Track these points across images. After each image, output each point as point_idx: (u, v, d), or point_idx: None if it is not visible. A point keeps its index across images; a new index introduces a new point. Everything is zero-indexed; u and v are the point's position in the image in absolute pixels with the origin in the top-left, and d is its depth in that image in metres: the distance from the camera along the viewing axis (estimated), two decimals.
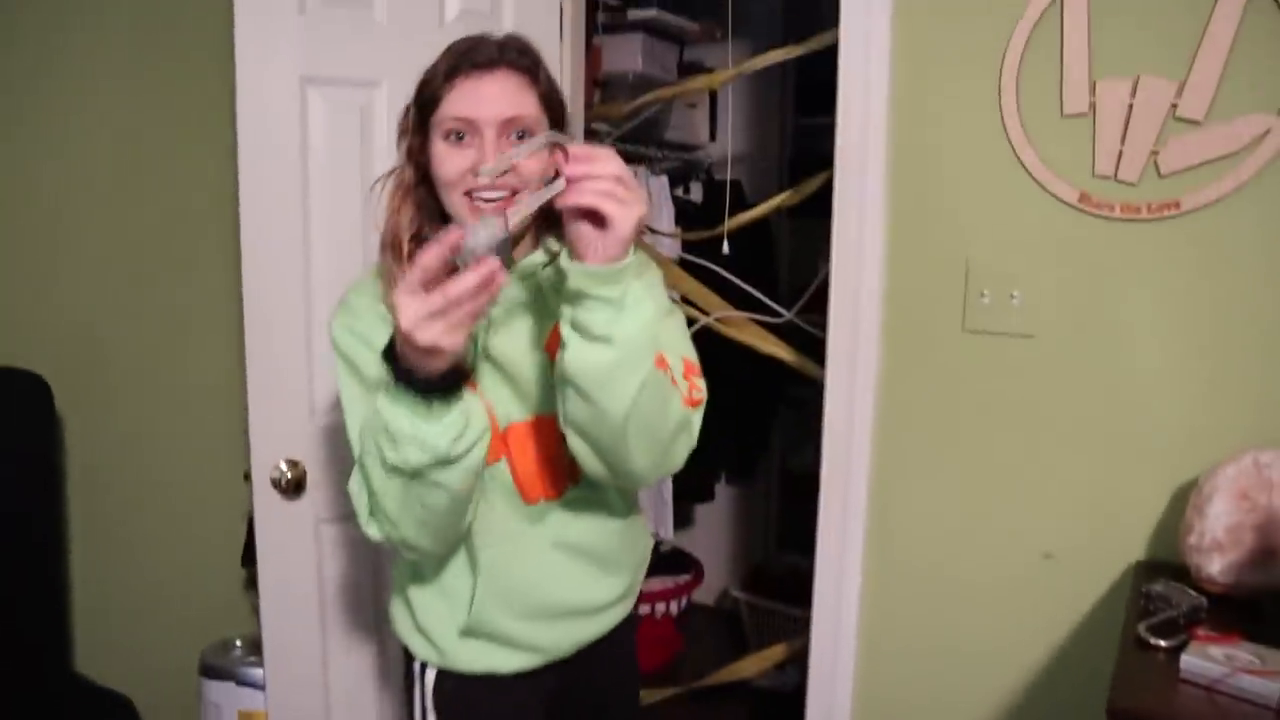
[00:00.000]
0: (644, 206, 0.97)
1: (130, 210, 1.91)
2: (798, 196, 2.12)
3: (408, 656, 1.29)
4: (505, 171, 1.07)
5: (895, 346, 1.66)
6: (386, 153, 1.75)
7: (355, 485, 1.11)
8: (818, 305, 1.92)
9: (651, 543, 1.40)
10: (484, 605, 1.20)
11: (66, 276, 1.85)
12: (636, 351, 1.00)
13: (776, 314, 2.26)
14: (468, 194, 1.09)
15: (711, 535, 3.48)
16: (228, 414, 1.84)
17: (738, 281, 2.32)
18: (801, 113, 3.20)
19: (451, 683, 1.25)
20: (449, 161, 1.09)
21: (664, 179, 2.79)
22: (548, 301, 1.17)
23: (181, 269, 1.95)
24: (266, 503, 1.70)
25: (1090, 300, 1.49)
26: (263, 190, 1.64)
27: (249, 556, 1.76)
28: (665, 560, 3.13)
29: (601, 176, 0.93)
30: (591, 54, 2.64)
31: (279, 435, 1.70)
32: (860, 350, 1.67)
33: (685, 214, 2.84)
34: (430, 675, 1.26)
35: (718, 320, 2.27)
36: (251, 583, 1.78)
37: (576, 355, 1.00)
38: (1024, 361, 1.55)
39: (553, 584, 1.23)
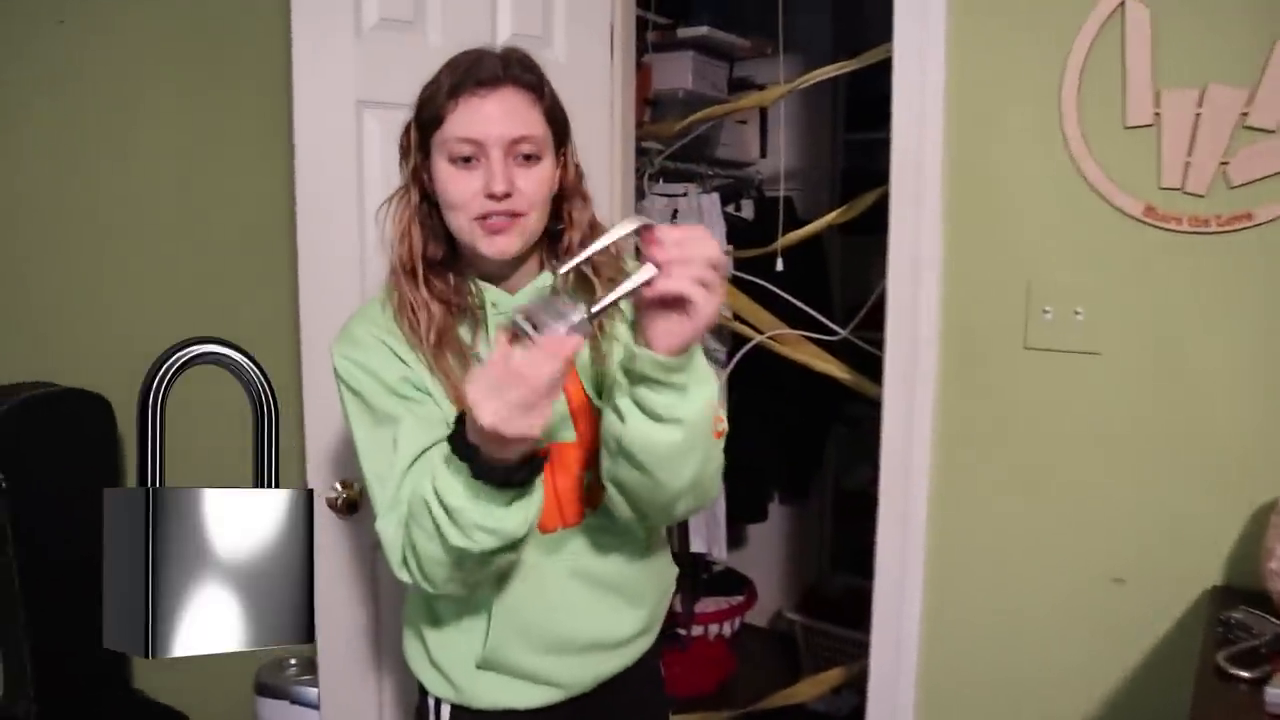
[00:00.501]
0: (724, 292, 0.94)
1: (189, 231, 1.96)
2: (852, 212, 2.10)
3: (421, 691, 1.25)
4: (505, 197, 1.04)
5: (954, 364, 1.63)
6: None
7: (390, 532, 1.04)
8: (874, 322, 1.90)
9: (675, 571, 1.34)
10: (500, 639, 1.15)
11: (128, 297, 1.90)
12: (701, 430, 1.00)
13: (831, 331, 2.24)
14: (480, 218, 1.06)
15: (765, 555, 3.45)
16: (286, 434, 1.87)
17: (791, 299, 2.31)
18: (852, 128, 3.18)
19: (468, 719, 1.20)
20: (455, 184, 1.06)
21: (715, 196, 2.79)
22: None
23: (240, 291, 1.99)
24: (322, 523, 1.72)
25: (1158, 316, 1.45)
26: (319, 212, 1.67)
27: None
28: (718, 581, 3.12)
29: (695, 260, 0.89)
30: (642, 73, 2.65)
31: (333, 457, 1.73)
32: (918, 368, 1.65)
33: (736, 231, 2.83)
34: (445, 711, 1.21)
35: (771, 338, 2.25)
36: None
37: (640, 433, 0.98)
38: (1089, 379, 1.51)
39: (572, 616, 1.17)
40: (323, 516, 1.72)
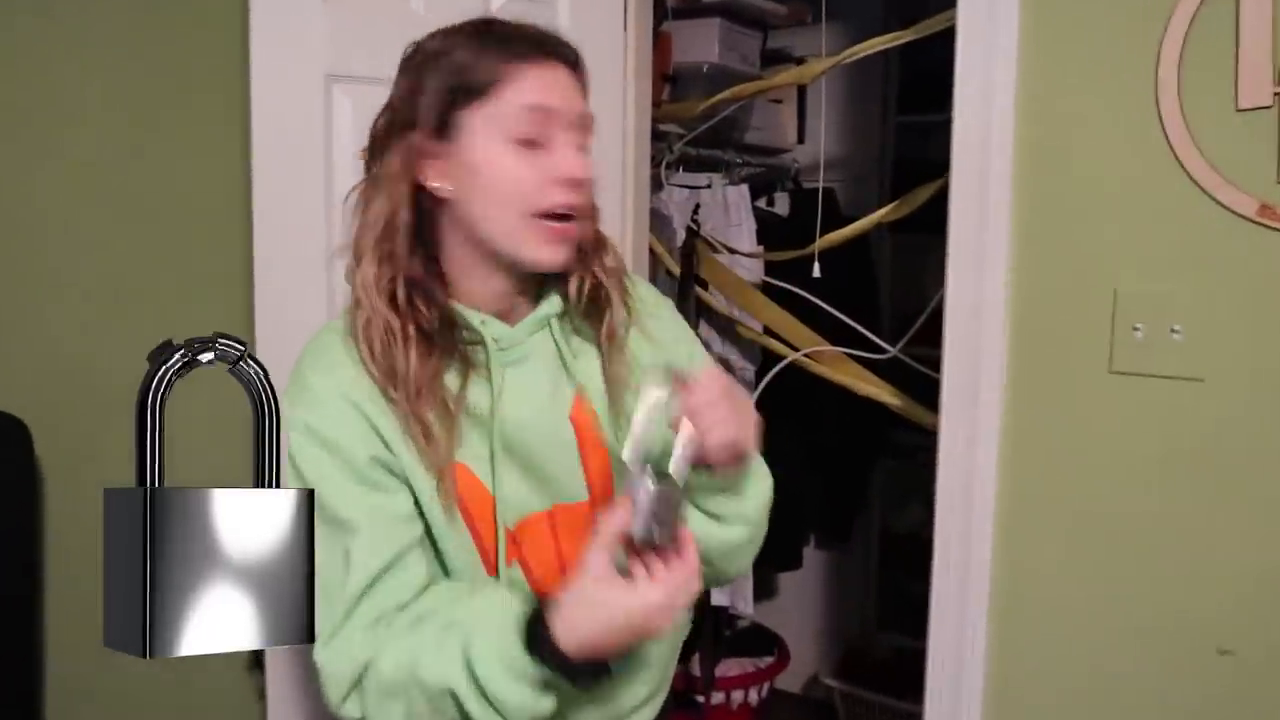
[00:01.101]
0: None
1: (122, 227, 1.91)
2: (905, 208, 2.05)
3: None
4: (578, 186, 1.02)
5: (1025, 390, 1.58)
6: None
7: (335, 665, 0.98)
8: (929, 338, 1.86)
9: (687, 631, 1.29)
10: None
11: (47, 304, 1.86)
12: (760, 522, 1.12)
13: (878, 349, 2.19)
14: (541, 215, 1.00)
15: (799, 609, 3.39)
16: (237, 459, 1.83)
17: (831, 310, 2.26)
18: (906, 109, 3.13)
19: None
20: (516, 169, 0.99)
21: (744, 188, 2.74)
22: (561, 356, 1.10)
23: (183, 293, 1.95)
24: None
25: (1274, 336, 1.39)
26: (280, 202, 1.64)
27: (258, 660, 1.75)
28: (743, 639, 3.06)
29: (726, 411, 0.97)
30: (660, 43, 2.62)
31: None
32: (981, 394, 1.60)
33: (769, 229, 2.79)
34: None
35: (808, 356, 2.21)
36: (257, 663, 1.76)
37: (703, 533, 1.04)
38: (1190, 410, 1.45)
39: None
40: None
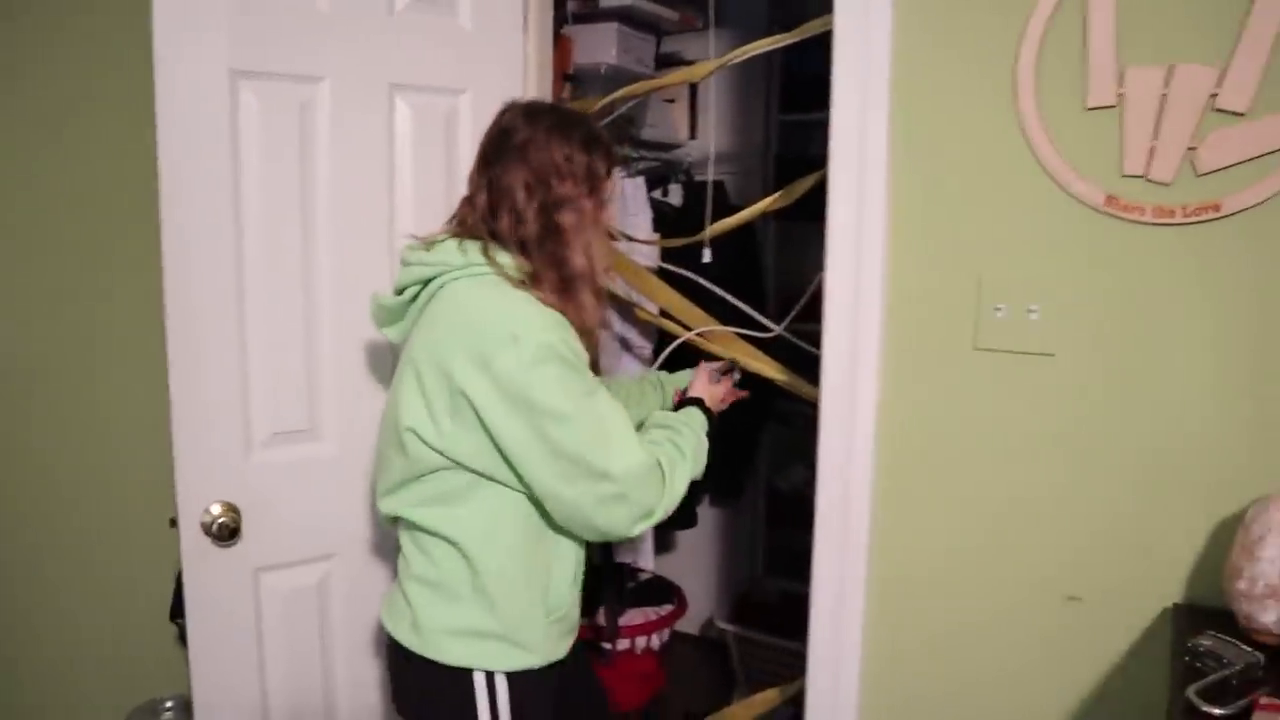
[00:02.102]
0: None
1: (38, 221, 1.75)
2: (788, 198, 1.99)
3: (462, 680, 1.33)
4: None
5: (898, 366, 1.54)
6: (329, 155, 1.62)
7: (645, 466, 1.30)
8: (812, 315, 1.82)
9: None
10: (569, 588, 1.39)
11: None
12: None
13: (764, 328, 2.13)
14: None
15: (695, 560, 3.35)
16: (154, 450, 1.69)
17: (720, 293, 2.19)
18: (788, 109, 3.08)
19: (528, 681, 1.35)
20: (613, 216, 1.59)
21: (640, 181, 2.66)
22: None
23: (99, 288, 1.79)
24: (196, 550, 1.55)
25: (1119, 314, 1.37)
26: (188, 198, 1.50)
27: (179, 609, 1.61)
28: (644, 590, 2.99)
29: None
30: (560, 45, 2.51)
31: (210, 474, 1.56)
32: (859, 369, 1.55)
33: (664, 218, 2.70)
34: (501, 683, 1.33)
35: (700, 335, 2.13)
36: (183, 638, 1.63)
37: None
38: (1044, 382, 1.43)
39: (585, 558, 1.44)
40: (198, 543, 1.55)
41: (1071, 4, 1.34)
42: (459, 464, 1.29)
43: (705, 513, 3.27)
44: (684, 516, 2.95)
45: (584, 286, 1.32)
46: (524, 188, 1.31)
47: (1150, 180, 1.32)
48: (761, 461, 3.27)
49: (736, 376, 1.82)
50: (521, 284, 1.30)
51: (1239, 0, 1.25)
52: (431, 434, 1.29)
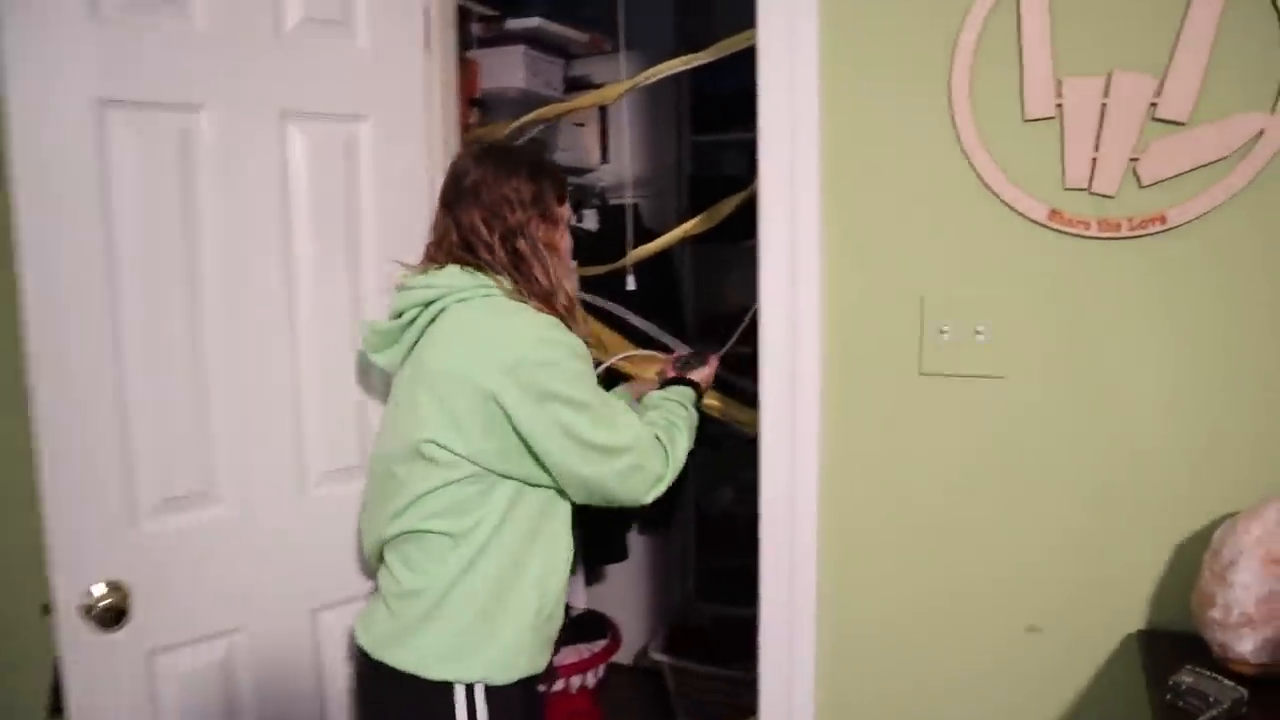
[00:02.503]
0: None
1: None
2: (711, 221, 1.87)
3: (439, 695, 1.36)
4: None
5: (841, 395, 1.42)
6: (215, 190, 1.43)
7: (666, 462, 1.47)
8: (743, 337, 1.73)
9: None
10: (560, 580, 1.46)
11: None
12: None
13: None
14: None
15: (624, 590, 3.18)
16: (24, 526, 1.46)
17: (636, 321, 2.06)
18: (699, 129, 2.96)
19: (506, 696, 1.38)
20: (569, 240, 1.56)
21: None
22: None
23: None
24: (76, 639, 1.33)
25: (1068, 333, 1.27)
26: (52, 244, 1.30)
27: (58, 705, 1.38)
28: (576, 626, 2.83)
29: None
30: (468, 70, 2.35)
31: (90, 550, 1.35)
32: (799, 399, 1.42)
33: (580, 244, 2.55)
34: (480, 693, 1.37)
35: (625, 359, 2.00)
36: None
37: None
38: (994, 407, 1.33)
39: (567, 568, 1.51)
40: (78, 630, 1.33)
41: (1004, 12, 1.24)
42: (487, 469, 1.35)
43: (634, 541, 3.12)
44: (614, 549, 2.80)
45: (556, 302, 1.43)
46: (484, 223, 1.42)
47: (1094, 193, 1.23)
48: (689, 486, 3.13)
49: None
50: (521, 301, 1.41)
51: (1175, 4, 1.17)
52: (458, 443, 1.34)
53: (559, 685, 2.64)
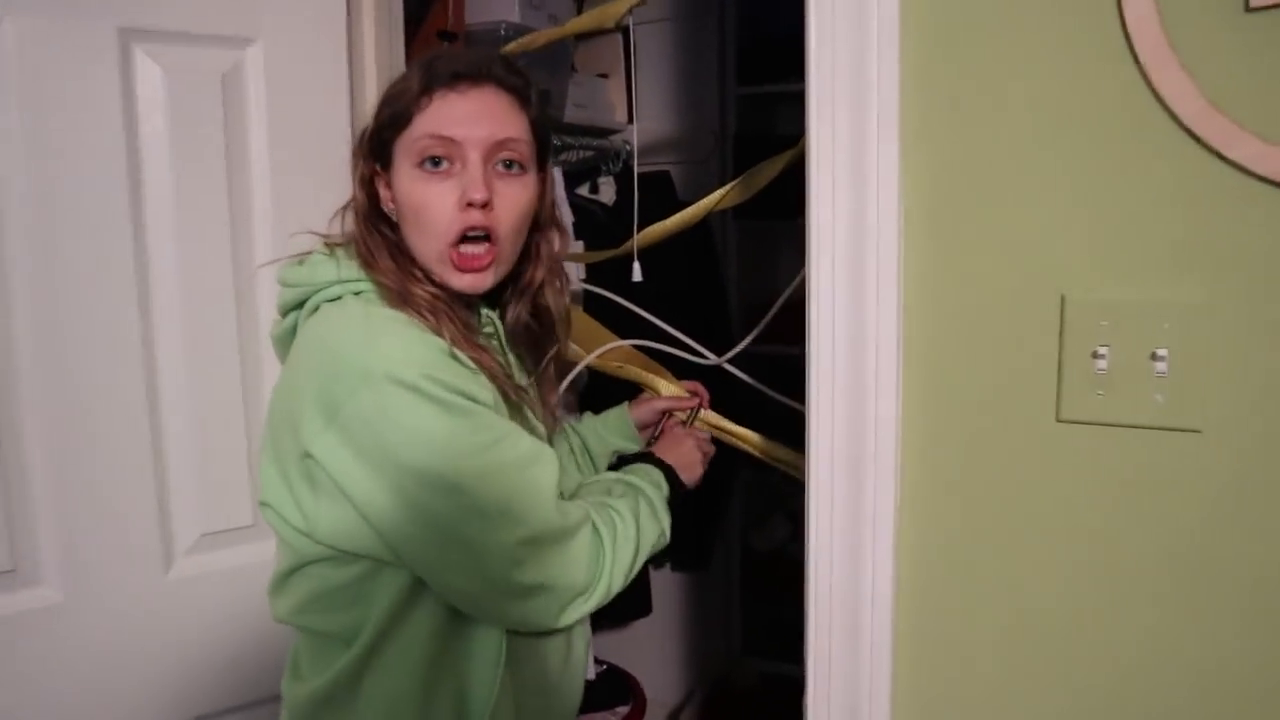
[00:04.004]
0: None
1: None
2: (747, 190, 1.44)
3: None
4: (484, 206, 1.01)
5: (928, 454, 0.97)
6: (19, 141, 1.05)
7: (594, 573, 1.05)
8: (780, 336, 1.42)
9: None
10: (489, 689, 1.04)
11: None
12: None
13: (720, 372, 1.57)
14: (452, 245, 1.02)
15: (653, 642, 2.78)
16: None
17: (649, 316, 1.63)
18: (747, 79, 2.55)
19: None
20: (423, 193, 1.02)
21: (554, 172, 2.07)
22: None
23: None
24: None
25: None
26: None
27: None
28: (594, 693, 2.40)
29: None
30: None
31: None
32: (863, 465, 0.98)
33: (591, 223, 2.14)
34: None
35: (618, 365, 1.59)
36: None
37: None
38: (1177, 478, 0.87)
39: (578, 677, 1.22)
40: None
41: None
42: (338, 549, 1.00)
43: (666, 582, 2.73)
44: (635, 600, 2.40)
45: (416, 307, 1.07)
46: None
47: None
48: (733, 515, 2.72)
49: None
50: (402, 300, 1.03)
51: None
52: (293, 513, 1.01)
53: None
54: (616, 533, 1.08)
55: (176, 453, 1.20)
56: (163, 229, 1.16)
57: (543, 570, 1.00)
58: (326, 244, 1.07)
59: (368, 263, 1.03)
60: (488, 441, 0.98)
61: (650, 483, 1.18)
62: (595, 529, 1.06)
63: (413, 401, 0.93)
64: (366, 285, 1.04)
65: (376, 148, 1.05)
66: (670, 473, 1.23)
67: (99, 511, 1.14)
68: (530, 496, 0.99)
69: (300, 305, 1.06)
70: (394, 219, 1.06)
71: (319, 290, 1.04)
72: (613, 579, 1.06)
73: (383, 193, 1.06)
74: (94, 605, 1.15)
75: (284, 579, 1.05)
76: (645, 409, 1.45)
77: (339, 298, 1.03)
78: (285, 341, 1.12)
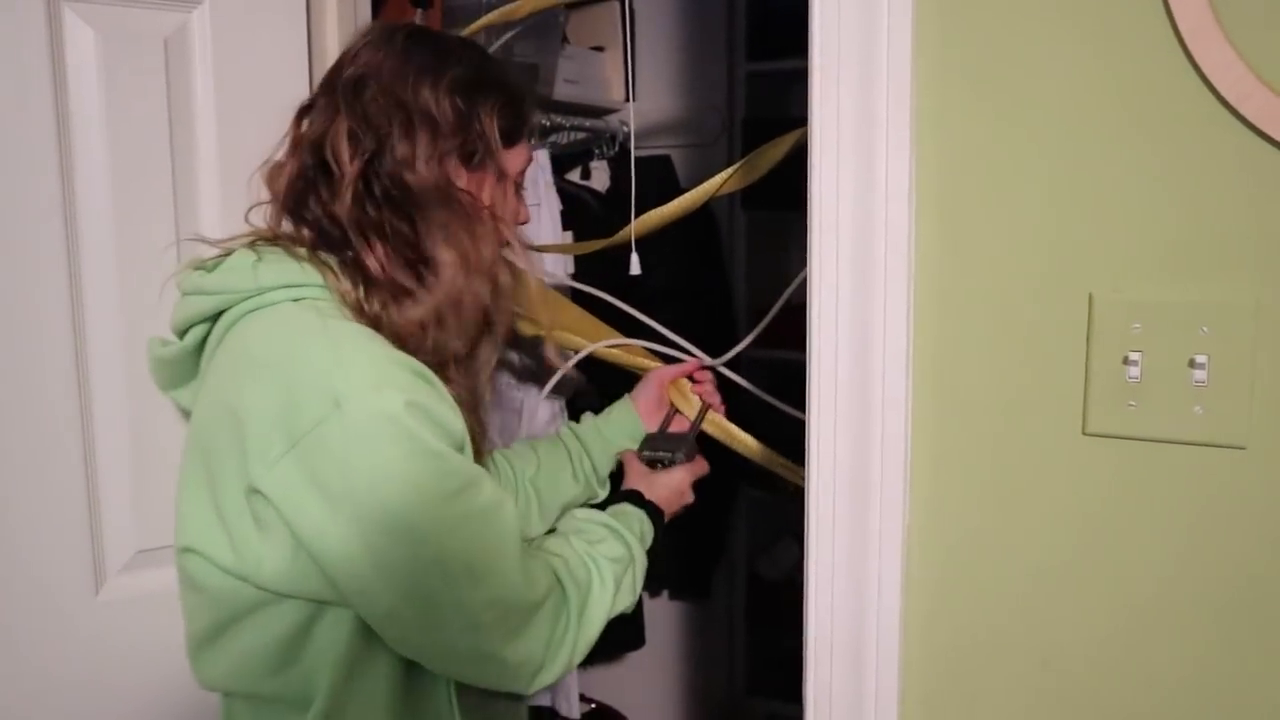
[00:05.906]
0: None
1: None
2: (752, 174, 1.44)
3: None
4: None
5: (940, 471, 0.97)
6: None
7: (563, 635, 1.05)
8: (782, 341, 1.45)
9: None
10: None
11: None
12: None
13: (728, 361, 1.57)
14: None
15: (647, 678, 2.79)
16: None
17: (639, 316, 1.63)
18: (755, 56, 2.56)
19: None
20: (512, 204, 1.17)
21: (541, 156, 2.07)
22: None
23: None
24: None
25: None
26: None
27: None
28: None
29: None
30: None
31: None
32: (869, 489, 0.97)
33: (582, 211, 2.14)
34: None
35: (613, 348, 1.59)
36: None
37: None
38: (1220, 497, 0.86)
39: None
40: None
41: None
42: (280, 593, 0.98)
43: (664, 611, 2.72)
44: (628, 633, 2.39)
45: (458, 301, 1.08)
46: (348, 140, 1.02)
47: None
48: (737, 538, 2.73)
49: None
50: (358, 309, 1.02)
51: None
52: (224, 554, 0.98)
53: None
54: (589, 600, 1.08)
55: (109, 457, 1.19)
56: (97, 213, 1.15)
57: (503, 639, 1.00)
58: (253, 245, 1.05)
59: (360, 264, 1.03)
60: (454, 489, 0.97)
61: (640, 539, 1.21)
62: (564, 596, 1.06)
63: (388, 434, 0.93)
64: (310, 290, 1.01)
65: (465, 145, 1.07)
66: (658, 516, 1.27)
67: (16, 524, 1.14)
68: (495, 553, 0.99)
69: (214, 318, 1.04)
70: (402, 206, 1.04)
71: (244, 297, 1.01)
72: (574, 653, 1.07)
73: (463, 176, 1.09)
74: (11, 629, 1.14)
75: (211, 639, 1.03)
76: (648, 388, 1.48)
77: (266, 307, 1.01)
78: (184, 363, 1.11)
